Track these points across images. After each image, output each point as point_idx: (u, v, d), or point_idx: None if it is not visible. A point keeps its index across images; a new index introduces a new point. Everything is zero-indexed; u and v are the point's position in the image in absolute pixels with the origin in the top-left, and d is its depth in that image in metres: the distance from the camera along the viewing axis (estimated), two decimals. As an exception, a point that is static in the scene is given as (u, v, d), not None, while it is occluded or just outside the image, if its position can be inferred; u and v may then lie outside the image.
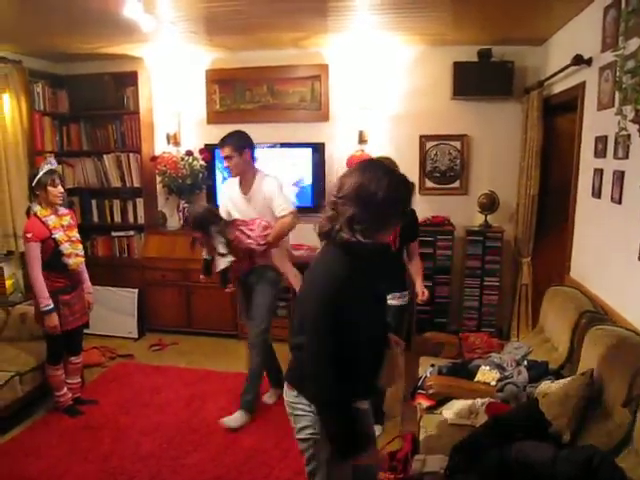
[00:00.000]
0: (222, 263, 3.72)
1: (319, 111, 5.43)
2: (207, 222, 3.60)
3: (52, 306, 3.63)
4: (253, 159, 3.78)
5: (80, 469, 3.33)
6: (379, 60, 5.21)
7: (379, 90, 5.24)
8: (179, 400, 4.24)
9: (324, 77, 5.35)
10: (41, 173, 3.63)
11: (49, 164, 3.72)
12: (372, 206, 1.78)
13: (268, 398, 4.17)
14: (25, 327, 4.28)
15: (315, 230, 1.95)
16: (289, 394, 2.06)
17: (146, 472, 3.31)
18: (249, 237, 3.64)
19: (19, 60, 4.99)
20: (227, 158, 3.69)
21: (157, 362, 4.99)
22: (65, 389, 3.98)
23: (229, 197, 3.92)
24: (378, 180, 1.79)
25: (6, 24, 4.20)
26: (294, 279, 3.74)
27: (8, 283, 4.97)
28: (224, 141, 3.71)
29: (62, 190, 3.70)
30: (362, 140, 5.29)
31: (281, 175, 5.25)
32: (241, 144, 3.68)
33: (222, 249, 3.64)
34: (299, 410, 2.02)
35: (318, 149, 5.30)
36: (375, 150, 5.26)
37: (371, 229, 1.81)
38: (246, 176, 3.77)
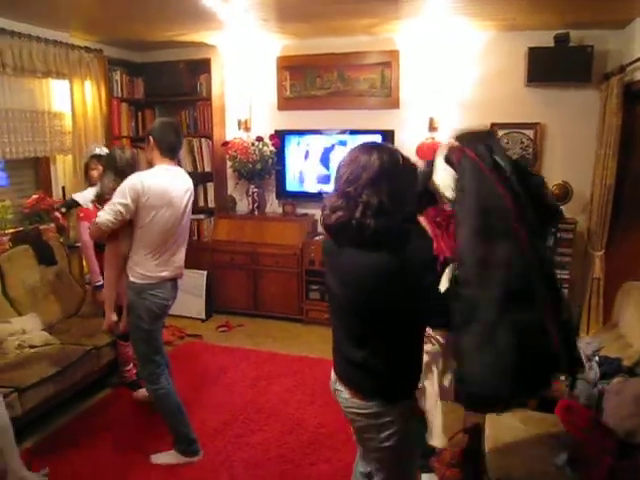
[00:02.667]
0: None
1: (389, 98, 5.39)
2: (122, 167, 3.35)
3: (102, 282, 3.79)
4: (160, 151, 3.15)
5: (149, 441, 3.49)
6: (450, 46, 5.12)
7: (450, 76, 5.17)
8: (245, 380, 4.36)
9: (395, 64, 5.31)
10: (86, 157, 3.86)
11: (95, 149, 3.95)
12: (395, 185, 1.78)
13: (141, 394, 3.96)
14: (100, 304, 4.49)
15: (324, 222, 1.91)
16: (372, 405, 1.95)
17: (212, 447, 3.44)
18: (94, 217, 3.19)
19: (100, 49, 5.22)
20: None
21: (224, 343, 5.13)
22: (131, 365, 4.17)
23: None
24: (391, 156, 1.81)
25: (89, 15, 4.40)
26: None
27: (85, 263, 5.20)
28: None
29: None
30: (432, 127, 5.23)
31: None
32: (148, 132, 3.24)
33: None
34: (386, 418, 1.94)
35: (388, 136, 5.26)
36: (445, 138, 5.20)
37: (397, 210, 1.79)
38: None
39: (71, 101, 4.94)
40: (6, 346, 3.72)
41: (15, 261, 4.24)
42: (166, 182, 3.10)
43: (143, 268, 3.12)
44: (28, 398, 3.40)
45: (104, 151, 3.96)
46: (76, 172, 5.01)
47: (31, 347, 3.79)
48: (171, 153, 3.17)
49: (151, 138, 3.14)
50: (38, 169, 5.08)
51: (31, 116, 4.67)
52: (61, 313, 4.44)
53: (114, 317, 3.43)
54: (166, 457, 3.34)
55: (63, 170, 5.16)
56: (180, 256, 3.31)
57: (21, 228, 4.63)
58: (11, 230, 4.57)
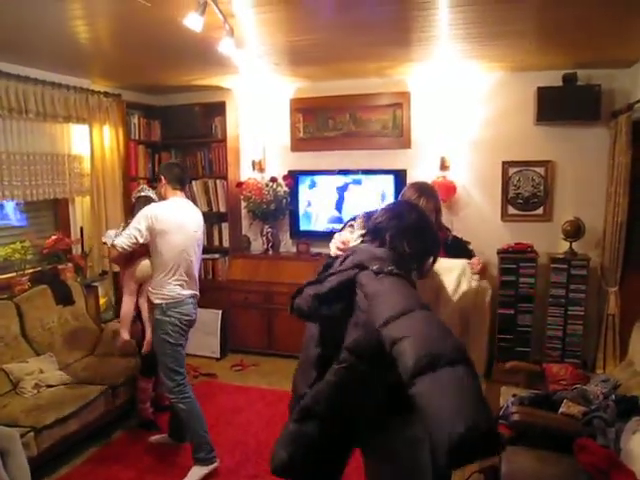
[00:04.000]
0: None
1: (401, 138, 5.49)
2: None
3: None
4: (171, 185, 3.64)
5: (166, 482, 3.48)
6: (460, 87, 5.22)
7: (461, 116, 5.26)
8: (260, 420, 4.34)
9: (406, 105, 5.41)
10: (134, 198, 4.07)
11: (142, 191, 4.06)
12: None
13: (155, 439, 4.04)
14: (116, 343, 4.53)
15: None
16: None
17: (227, 488, 3.42)
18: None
19: (118, 94, 5.39)
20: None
21: (239, 382, 5.13)
22: (148, 403, 4.18)
23: None
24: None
25: (110, 63, 4.58)
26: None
27: (102, 301, 5.27)
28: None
29: None
30: (444, 166, 5.29)
31: (364, 202, 5.43)
32: (160, 172, 3.77)
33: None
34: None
35: (400, 175, 5.34)
36: (457, 176, 5.27)
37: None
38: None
39: (90, 144, 5.08)
40: (23, 386, 3.75)
41: (34, 301, 4.30)
42: (176, 210, 3.57)
43: (165, 289, 3.50)
44: (44, 438, 3.42)
45: (150, 193, 4.08)
46: (94, 213, 5.14)
47: (48, 387, 3.83)
48: (179, 184, 3.65)
49: (161, 176, 3.66)
50: (57, 210, 5.19)
51: (51, 159, 4.79)
52: (77, 353, 4.47)
53: (126, 336, 4.02)
54: (190, 476, 3.48)
55: (81, 211, 5.27)
56: (195, 276, 3.68)
57: (39, 268, 4.71)
58: (30, 270, 4.64)
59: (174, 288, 3.51)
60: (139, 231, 3.45)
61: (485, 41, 3.95)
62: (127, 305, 3.96)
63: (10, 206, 4.76)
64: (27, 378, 3.80)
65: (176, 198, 3.62)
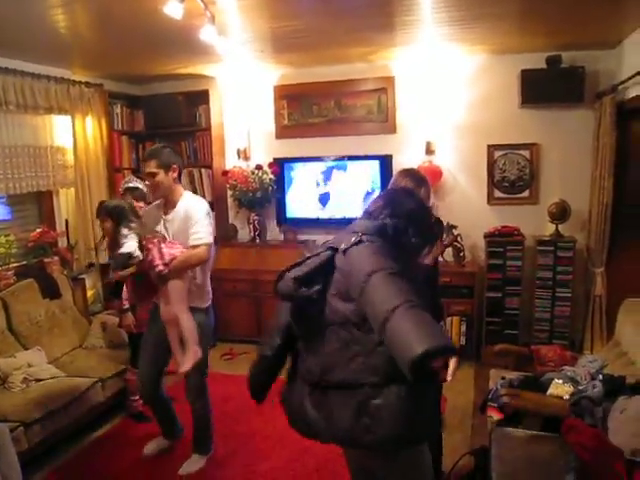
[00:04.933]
0: (126, 248, 3.10)
1: (386, 123, 5.47)
2: (124, 214, 3.18)
3: (127, 306, 3.94)
4: (180, 178, 3.30)
5: (157, 472, 3.48)
6: (445, 71, 5.21)
7: (445, 100, 5.25)
8: (251, 408, 4.32)
9: (390, 89, 5.39)
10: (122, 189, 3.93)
11: (130, 182, 3.98)
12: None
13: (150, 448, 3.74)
14: (106, 335, 4.52)
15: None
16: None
17: (219, 477, 3.44)
18: (162, 257, 3.07)
19: (100, 83, 5.33)
20: (150, 175, 3.16)
21: (228, 371, 5.12)
22: (138, 396, 4.17)
23: (152, 221, 3.32)
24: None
25: (91, 53, 4.52)
26: (188, 332, 3.15)
27: (89, 293, 5.24)
28: (150, 155, 3.19)
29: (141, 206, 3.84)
30: (429, 151, 5.29)
31: (349, 188, 5.42)
32: (170, 160, 3.18)
33: (130, 238, 3.12)
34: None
35: (386, 161, 5.34)
36: (442, 161, 5.27)
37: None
38: (170, 197, 3.24)
39: (73, 135, 5.02)
40: (12, 380, 3.72)
41: (20, 295, 4.26)
42: None
43: (208, 287, 3.38)
44: (34, 432, 3.41)
45: (139, 184, 3.95)
46: (79, 205, 5.09)
47: (36, 380, 3.80)
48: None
49: (175, 166, 3.20)
50: (41, 203, 5.14)
51: (34, 151, 4.74)
52: (66, 346, 4.44)
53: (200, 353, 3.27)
54: (192, 464, 3.48)
55: (66, 203, 5.22)
56: None
57: (25, 262, 4.67)
58: (15, 264, 4.60)
59: (209, 285, 3.41)
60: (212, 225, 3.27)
61: (467, 24, 3.94)
62: (191, 320, 3.18)
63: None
64: (15, 373, 3.77)
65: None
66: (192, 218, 3.15)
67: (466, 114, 5.25)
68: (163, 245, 3.10)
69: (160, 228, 3.24)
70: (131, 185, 3.94)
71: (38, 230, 4.75)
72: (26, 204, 5.04)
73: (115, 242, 3.14)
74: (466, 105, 5.24)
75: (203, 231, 3.14)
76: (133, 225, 3.15)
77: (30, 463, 3.38)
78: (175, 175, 3.18)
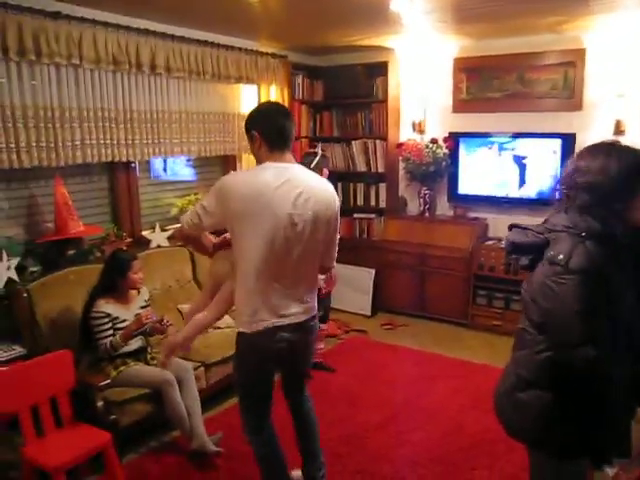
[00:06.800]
0: None
1: (571, 99, 5.12)
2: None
3: None
4: (269, 143, 2.40)
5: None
6: (645, 42, 4.73)
7: (642, 75, 4.79)
8: (408, 378, 4.42)
9: (580, 63, 5.03)
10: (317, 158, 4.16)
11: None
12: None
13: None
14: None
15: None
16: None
17: (374, 440, 3.56)
18: None
19: (285, 55, 5.59)
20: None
21: (388, 340, 5.23)
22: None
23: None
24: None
25: (278, 25, 4.74)
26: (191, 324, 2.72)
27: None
28: None
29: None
30: (619, 131, 4.86)
31: (528, 167, 5.22)
32: (248, 124, 2.51)
33: None
34: None
35: (568, 140, 5.01)
36: (633, 142, 4.83)
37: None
38: None
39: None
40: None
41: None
42: (263, 181, 2.30)
43: (246, 307, 2.40)
44: (212, 373, 3.82)
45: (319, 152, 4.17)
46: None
47: (215, 328, 4.14)
48: (281, 142, 2.40)
49: (254, 132, 2.41)
50: (224, 166, 5.53)
51: (223, 118, 5.10)
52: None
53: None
54: None
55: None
56: (301, 292, 2.46)
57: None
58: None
59: (254, 311, 2.37)
60: (204, 208, 2.35)
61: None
62: (207, 319, 2.76)
63: (180, 162, 5.15)
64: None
65: (273, 163, 2.37)
66: None
67: (667, 91, 4.75)
68: None
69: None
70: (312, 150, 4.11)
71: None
72: (211, 166, 5.46)
73: None
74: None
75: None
76: None
77: (208, 400, 3.76)
78: (257, 143, 2.44)
